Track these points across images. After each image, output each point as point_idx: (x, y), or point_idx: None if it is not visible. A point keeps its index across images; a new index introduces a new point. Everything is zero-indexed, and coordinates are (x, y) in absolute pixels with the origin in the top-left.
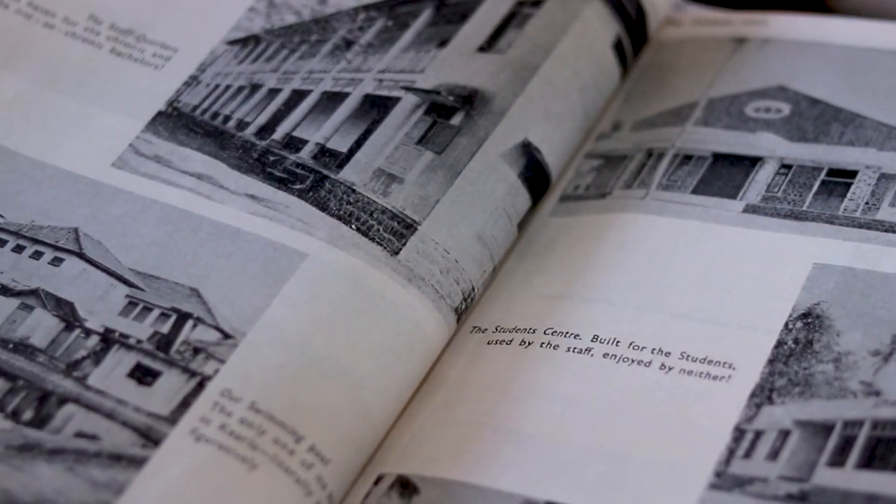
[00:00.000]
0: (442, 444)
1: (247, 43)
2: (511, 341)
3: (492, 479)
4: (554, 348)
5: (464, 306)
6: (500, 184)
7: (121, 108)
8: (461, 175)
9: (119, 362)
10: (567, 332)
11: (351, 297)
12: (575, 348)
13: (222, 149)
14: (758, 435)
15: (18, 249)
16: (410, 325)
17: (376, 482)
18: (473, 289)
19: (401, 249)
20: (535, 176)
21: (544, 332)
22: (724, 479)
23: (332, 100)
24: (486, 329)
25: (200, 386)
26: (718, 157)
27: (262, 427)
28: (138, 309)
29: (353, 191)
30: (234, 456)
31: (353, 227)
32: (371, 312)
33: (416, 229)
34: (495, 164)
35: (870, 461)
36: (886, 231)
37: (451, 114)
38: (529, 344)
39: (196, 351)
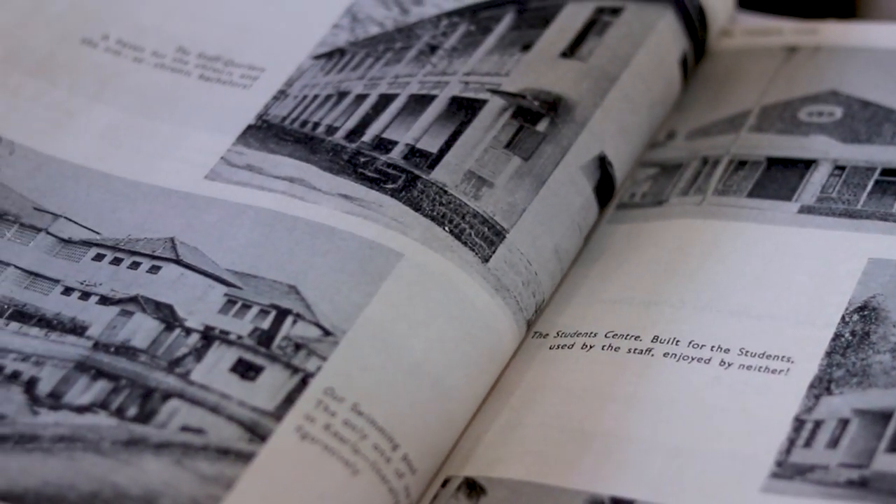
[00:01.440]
0: (508, 446)
1: (332, 56)
2: (573, 345)
3: (557, 478)
4: (615, 350)
5: (534, 318)
6: (578, 197)
7: (211, 126)
8: (546, 185)
9: (221, 358)
10: (627, 335)
11: (445, 303)
12: (636, 349)
13: (313, 153)
14: (817, 424)
15: (116, 262)
16: (494, 335)
17: (444, 484)
18: (544, 301)
19: (490, 257)
20: (605, 190)
21: (605, 336)
22: (785, 468)
23: (419, 102)
24: (547, 334)
25: (304, 382)
26: (773, 162)
27: (364, 431)
28: (237, 307)
29: (445, 192)
30: (338, 459)
31: (447, 228)
32: (463, 320)
33: (504, 237)
34: (575, 177)
35: None
36: None
37: (536, 119)
38: (591, 347)
39: (298, 347)
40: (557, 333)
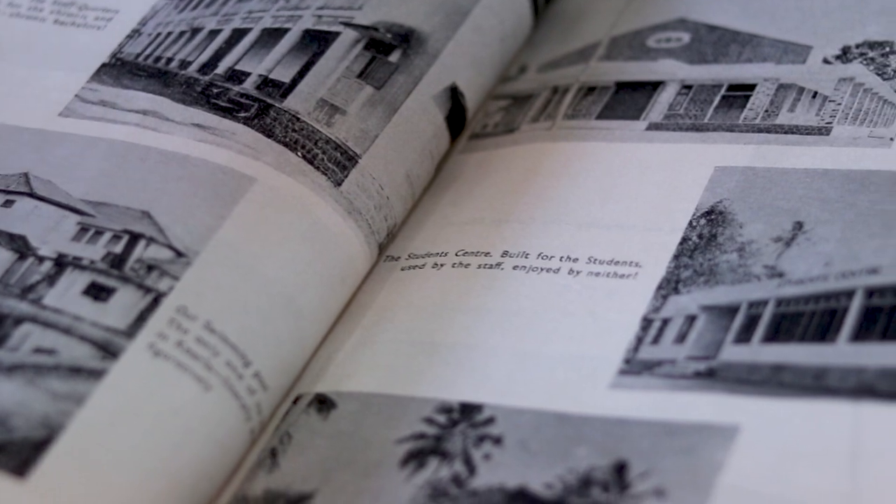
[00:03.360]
0: (358, 362)
1: None
2: (424, 265)
3: (407, 388)
4: (465, 267)
5: (386, 241)
6: (430, 126)
7: (66, 66)
8: (398, 113)
9: (73, 282)
10: (477, 252)
11: (298, 224)
12: (485, 265)
13: (166, 86)
14: (665, 322)
15: None
16: (346, 256)
17: (295, 401)
18: (395, 225)
19: (343, 181)
20: (457, 119)
21: (455, 254)
22: (632, 365)
23: (272, 36)
24: (398, 257)
25: (156, 302)
26: (621, 86)
27: (216, 348)
28: (90, 234)
29: (298, 119)
30: (190, 375)
31: (299, 154)
32: (315, 241)
33: (356, 162)
34: (427, 106)
35: (775, 335)
36: (786, 133)
37: (389, 51)
38: (441, 266)
39: (150, 268)
40: (409, 256)
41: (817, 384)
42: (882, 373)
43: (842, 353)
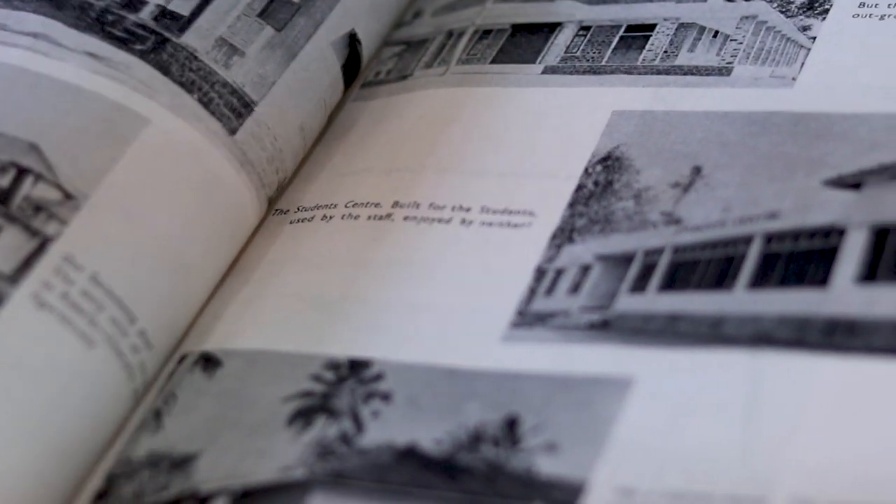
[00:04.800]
0: (245, 319)
1: None
2: (312, 218)
3: (293, 344)
4: (355, 219)
5: (276, 195)
6: (327, 74)
7: None
8: (297, 59)
9: None
10: (367, 203)
11: (191, 175)
12: (375, 216)
13: (59, 9)
14: (559, 273)
15: None
16: (238, 212)
17: (181, 361)
18: (286, 178)
19: (238, 129)
20: (352, 68)
21: (345, 206)
22: (525, 317)
23: None
24: (287, 210)
25: (42, 247)
26: (518, 28)
27: (102, 303)
28: None
29: (196, 58)
30: (73, 330)
31: (195, 96)
32: (208, 194)
33: (252, 110)
34: (326, 53)
35: (671, 283)
36: (685, 74)
37: None
38: (331, 218)
39: (38, 209)
40: (298, 209)
41: (714, 333)
42: (780, 320)
43: (739, 300)
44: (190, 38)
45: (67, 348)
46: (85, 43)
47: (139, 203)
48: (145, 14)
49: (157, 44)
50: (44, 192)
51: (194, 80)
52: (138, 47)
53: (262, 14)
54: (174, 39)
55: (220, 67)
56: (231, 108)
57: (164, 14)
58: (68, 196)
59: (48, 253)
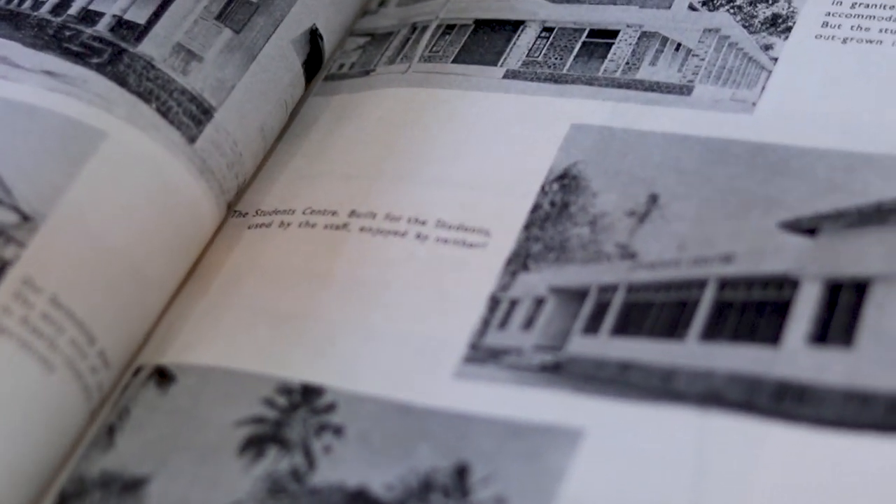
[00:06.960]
0: (200, 332)
1: None
2: (271, 224)
3: (247, 363)
4: (311, 227)
5: (235, 199)
6: (288, 73)
7: None
8: (256, 60)
9: None
10: (325, 210)
11: (149, 188)
12: (332, 225)
13: (17, 29)
14: (513, 304)
15: None
16: (196, 220)
17: (135, 373)
18: (245, 181)
19: (197, 137)
20: (314, 63)
21: (302, 213)
22: (478, 351)
23: None
24: (246, 213)
25: (1, 271)
26: (480, 24)
27: (62, 325)
28: None
29: (153, 66)
30: (34, 355)
31: (154, 106)
32: (167, 207)
33: (212, 115)
34: (286, 52)
35: (624, 327)
36: (645, 90)
37: None
38: (288, 225)
39: None
40: (256, 212)
41: (665, 387)
42: (730, 378)
43: (691, 353)
44: (147, 47)
45: (27, 375)
46: (42, 61)
47: (97, 219)
48: (101, 26)
49: (114, 55)
50: (1, 215)
51: (152, 89)
52: (95, 60)
53: (220, 17)
54: (131, 49)
55: (178, 74)
56: (190, 115)
57: (120, 24)
58: (26, 218)
59: (7, 277)
